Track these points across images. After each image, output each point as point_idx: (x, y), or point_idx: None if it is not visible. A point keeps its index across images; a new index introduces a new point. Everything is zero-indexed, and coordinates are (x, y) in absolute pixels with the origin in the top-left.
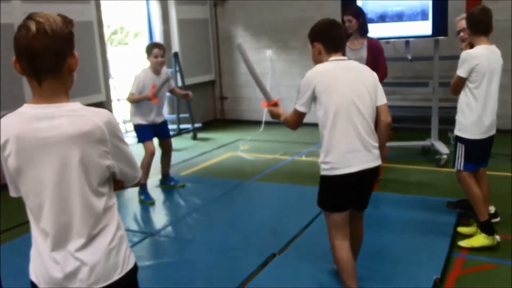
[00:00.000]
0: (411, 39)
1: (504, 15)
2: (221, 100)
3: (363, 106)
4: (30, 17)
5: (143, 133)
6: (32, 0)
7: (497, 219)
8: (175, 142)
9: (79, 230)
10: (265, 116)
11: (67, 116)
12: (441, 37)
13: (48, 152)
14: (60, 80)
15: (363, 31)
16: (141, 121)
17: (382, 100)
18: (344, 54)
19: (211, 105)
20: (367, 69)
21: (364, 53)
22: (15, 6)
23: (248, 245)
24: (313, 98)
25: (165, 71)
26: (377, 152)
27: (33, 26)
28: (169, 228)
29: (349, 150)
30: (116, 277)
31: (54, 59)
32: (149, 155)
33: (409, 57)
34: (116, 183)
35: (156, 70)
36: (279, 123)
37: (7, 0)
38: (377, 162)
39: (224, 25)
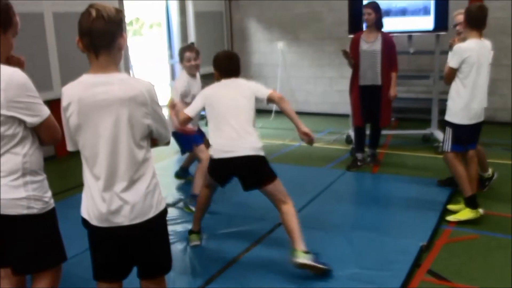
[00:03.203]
0: (413, 34)
1: (504, 13)
2: None
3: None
4: (91, 6)
5: (195, 136)
6: None
7: (495, 177)
8: None
9: (123, 175)
10: (275, 106)
11: (118, 83)
12: (442, 32)
13: (103, 112)
14: (112, 55)
15: (379, 24)
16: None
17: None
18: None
19: None
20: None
21: (378, 46)
22: None
23: (258, 215)
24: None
25: (198, 76)
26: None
27: (93, 13)
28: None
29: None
30: (151, 215)
31: (108, 38)
32: (208, 160)
33: (411, 51)
34: (152, 141)
35: (191, 74)
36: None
37: None
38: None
39: (238, 18)
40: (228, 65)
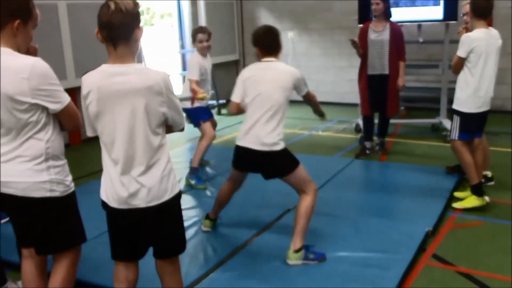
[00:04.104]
0: (423, 23)
1: (507, 2)
2: None
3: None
4: (110, 0)
5: (203, 113)
6: None
7: (492, 183)
8: None
9: (140, 160)
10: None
11: (135, 74)
12: (452, 22)
13: (120, 100)
14: (129, 46)
15: (388, 14)
16: (199, 104)
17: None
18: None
19: (235, 83)
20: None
21: (386, 35)
22: None
23: (268, 202)
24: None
25: (208, 56)
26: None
27: (112, 6)
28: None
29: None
30: (166, 197)
31: (126, 31)
32: (210, 138)
33: (421, 40)
34: (167, 127)
35: (203, 54)
36: (298, 101)
37: None
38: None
39: (248, 8)
40: (266, 39)
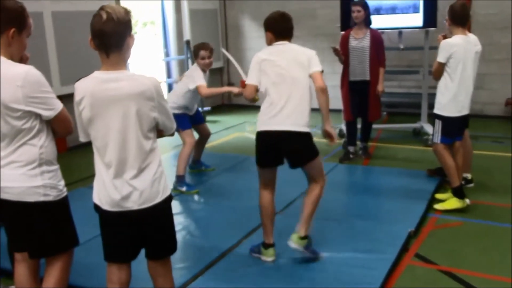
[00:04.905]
0: (403, 30)
1: (494, 10)
2: (229, 86)
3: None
4: (102, 8)
5: (183, 121)
6: None
7: (472, 185)
8: None
9: (132, 163)
10: None
11: (127, 80)
12: (431, 29)
13: (113, 106)
14: (121, 54)
15: (368, 22)
16: (181, 112)
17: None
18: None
19: None
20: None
21: (366, 42)
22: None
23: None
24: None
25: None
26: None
27: (104, 15)
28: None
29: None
30: (158, 200)
31: (118, 39)
32: (191, 146)
33: (401, 47)
34: (158, 132)
35: (203, 70)
36: None
37: None
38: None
39: (232, 15)
40: (282, 23)
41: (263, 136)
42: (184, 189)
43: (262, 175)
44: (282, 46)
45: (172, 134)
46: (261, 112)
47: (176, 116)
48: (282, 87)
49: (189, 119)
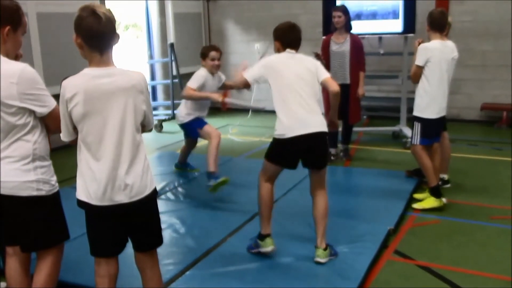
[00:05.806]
0: (383, 36)
1: (470, 17)
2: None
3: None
4: (92, 9)
5: (197, 123)
6: None
7: (448, 185)
8: (170, 126)
9: (126, 157)
10: (252, 104)
11: (119, 75)
12: (410, 34)
13: (110, 100)
14: (111, 51)
15: (348, 27)
16: (196, 115)
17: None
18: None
19: None
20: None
21: (347, 47)
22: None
23: (239, 205)
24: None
25: (219, 73)
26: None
27: (102, 16)
28: (173, 191)
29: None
30: (146, 192)
31: (113, 37)
32: (217, 137)
33: (381, 52)
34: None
35: (212, 72)
36: (268, 111)
37: None
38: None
39: (216, 19)
40: (291, 35)
41: (294, 141)
42: (214, 182)
43: (270, 170)
44: (290, 54)
45: (150, 130)
46: (280, 118)
47: (189, 124)
48: (293, 90)
49: (203, 120)
